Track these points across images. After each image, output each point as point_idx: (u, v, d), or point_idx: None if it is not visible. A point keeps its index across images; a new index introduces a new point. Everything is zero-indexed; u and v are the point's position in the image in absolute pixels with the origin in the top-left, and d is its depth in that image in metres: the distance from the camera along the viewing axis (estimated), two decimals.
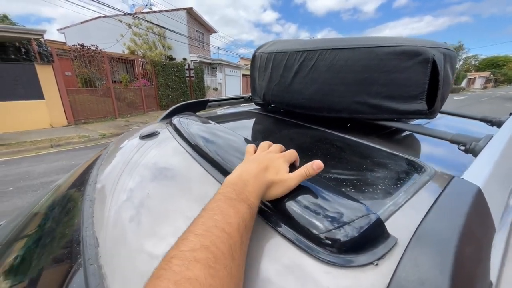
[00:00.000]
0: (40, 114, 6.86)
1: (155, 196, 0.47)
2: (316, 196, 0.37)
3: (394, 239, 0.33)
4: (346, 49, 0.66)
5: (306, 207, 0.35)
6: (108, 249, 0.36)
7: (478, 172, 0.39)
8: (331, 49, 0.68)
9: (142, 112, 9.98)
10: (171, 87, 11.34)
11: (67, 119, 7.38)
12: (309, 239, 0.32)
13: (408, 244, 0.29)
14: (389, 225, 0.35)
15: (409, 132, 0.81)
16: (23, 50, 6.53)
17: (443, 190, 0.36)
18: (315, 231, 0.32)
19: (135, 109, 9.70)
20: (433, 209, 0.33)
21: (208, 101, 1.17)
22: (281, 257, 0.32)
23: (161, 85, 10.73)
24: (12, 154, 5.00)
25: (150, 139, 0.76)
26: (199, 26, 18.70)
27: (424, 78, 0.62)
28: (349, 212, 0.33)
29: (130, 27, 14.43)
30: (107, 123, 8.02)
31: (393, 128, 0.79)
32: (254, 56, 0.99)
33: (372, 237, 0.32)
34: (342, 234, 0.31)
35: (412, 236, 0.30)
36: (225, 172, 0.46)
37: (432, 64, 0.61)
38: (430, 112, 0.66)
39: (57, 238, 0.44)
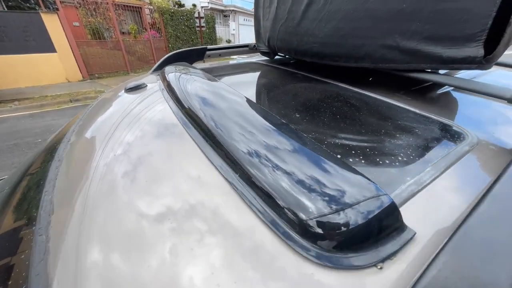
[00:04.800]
0: (55, 68, 6.90)
1: (124, 161, 0.40)
2: (301, 165, 0.28)
3: (411, 232, 0.24)
4: None
5: (285, 176, 0.27)
6: (62, 219, 0.31)
7: None
8: None
9: None
10: (181, 39, 10.67)
11: (81, 74, 7.41)
12: (290, 226, 0.25)
13: (447, 242, 0.20)
14: (407, 212, 0.26)
15: (448, 88, 0.64)
16: None
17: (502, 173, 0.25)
18: (299, 215, 0.23)
19: (146, 63, 9.44)
20: (491, 197, 0.23)
21: (206, 49, 1.01)
22: (251, 247, 0.25)
23: (170, 36, 10.10)
24: (36, 108, 5.27)
25: (135, 93, 0.67)
26: None
27: (490, 8, 0.44)
28: (350, 191, 0.24)
29: None
30: (120, 78, 7.98)
31: (428, 82, 0.62)
32: None
33: (380, 229, 0.24)
34: (335, 223, 0.22)
35: (455, 234, 0.21)
36: (215, 140, 0.37)
37: None
38: (487, 60, 0.48)
39: (23, 201, 0.41)
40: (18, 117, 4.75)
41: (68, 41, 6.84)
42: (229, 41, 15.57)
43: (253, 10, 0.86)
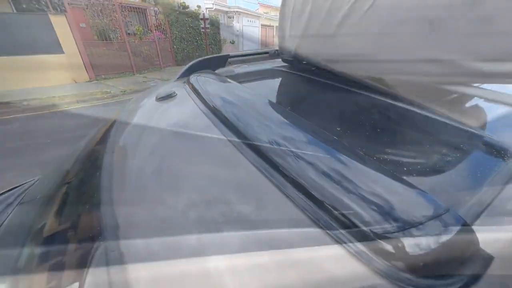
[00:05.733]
0: (62, 69, 6.97)
1: (175, 168, 0.43)
2: (367, 181, 0.28)
3: (487, 254, 0.24)
4: None
5: (351, 193, 0.27)
6: (129, 234, 0.32)
7: None
8: None
9: (159, 68, 9.77)
10: (186, 40, 10.73)
11: (88, 75, 7.48)
12: (369, 246, 0.25)
13: None
14: (477, 234, 0.26)
15: (478, 100, 0.64)
16: None
17: None
18: (380, 232, 0.24)
19: (151, 65, 9.50)
20: None
21: (228, 56, 1.02)
22: (320, 259, 0.25)
23: (175, 37, 10.17)
24: (44, 109, 5.32)
25: (167, 101, 0.68)
26: None
27: None
28: (419, 209, 0.25)
29: None
30: (126, 79, 8.04)
31: (456, 93, 0.62)
32: None
33: (455, 251, 0.24)
34: (416, 242, 0.23)
35: None
36: (245, 138, 0.40)
37: None
38: None
39: (77, 212, 0.42)
40: (26, 118, 4.80)
41: (75, 42, 6.92)
42: (233, 42, 15.60)
43: (279, 17, 0.87)
